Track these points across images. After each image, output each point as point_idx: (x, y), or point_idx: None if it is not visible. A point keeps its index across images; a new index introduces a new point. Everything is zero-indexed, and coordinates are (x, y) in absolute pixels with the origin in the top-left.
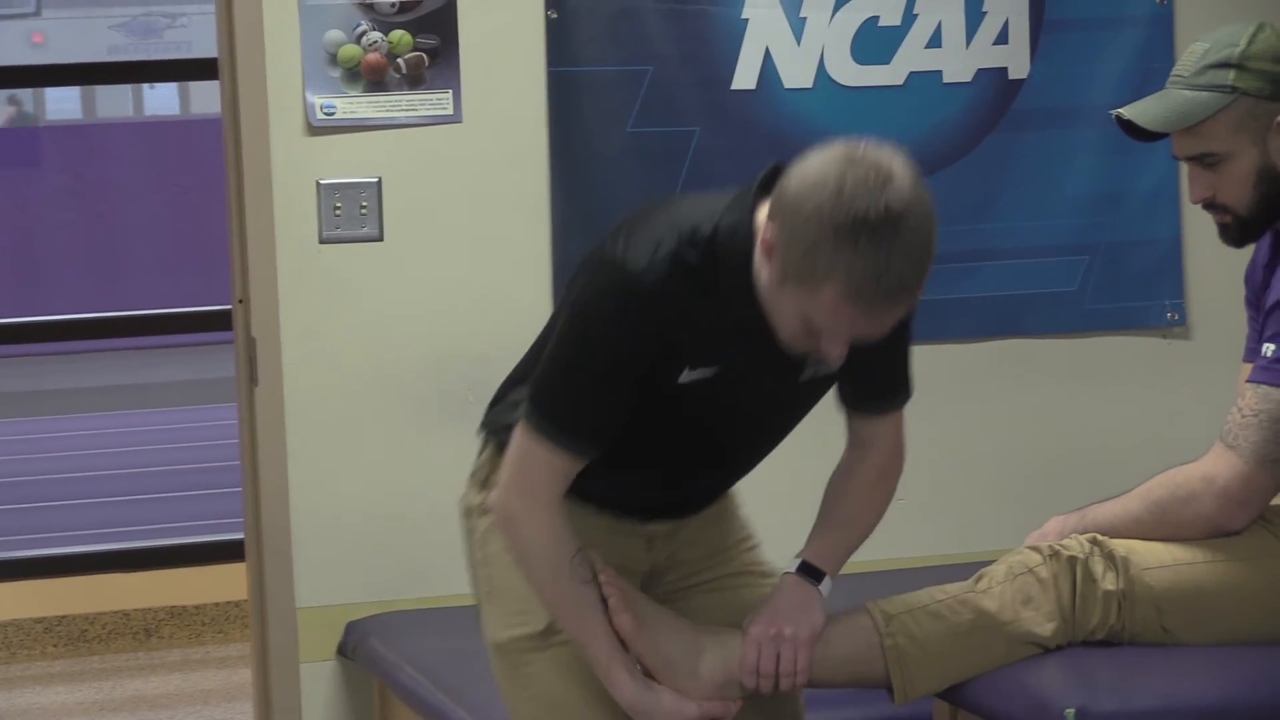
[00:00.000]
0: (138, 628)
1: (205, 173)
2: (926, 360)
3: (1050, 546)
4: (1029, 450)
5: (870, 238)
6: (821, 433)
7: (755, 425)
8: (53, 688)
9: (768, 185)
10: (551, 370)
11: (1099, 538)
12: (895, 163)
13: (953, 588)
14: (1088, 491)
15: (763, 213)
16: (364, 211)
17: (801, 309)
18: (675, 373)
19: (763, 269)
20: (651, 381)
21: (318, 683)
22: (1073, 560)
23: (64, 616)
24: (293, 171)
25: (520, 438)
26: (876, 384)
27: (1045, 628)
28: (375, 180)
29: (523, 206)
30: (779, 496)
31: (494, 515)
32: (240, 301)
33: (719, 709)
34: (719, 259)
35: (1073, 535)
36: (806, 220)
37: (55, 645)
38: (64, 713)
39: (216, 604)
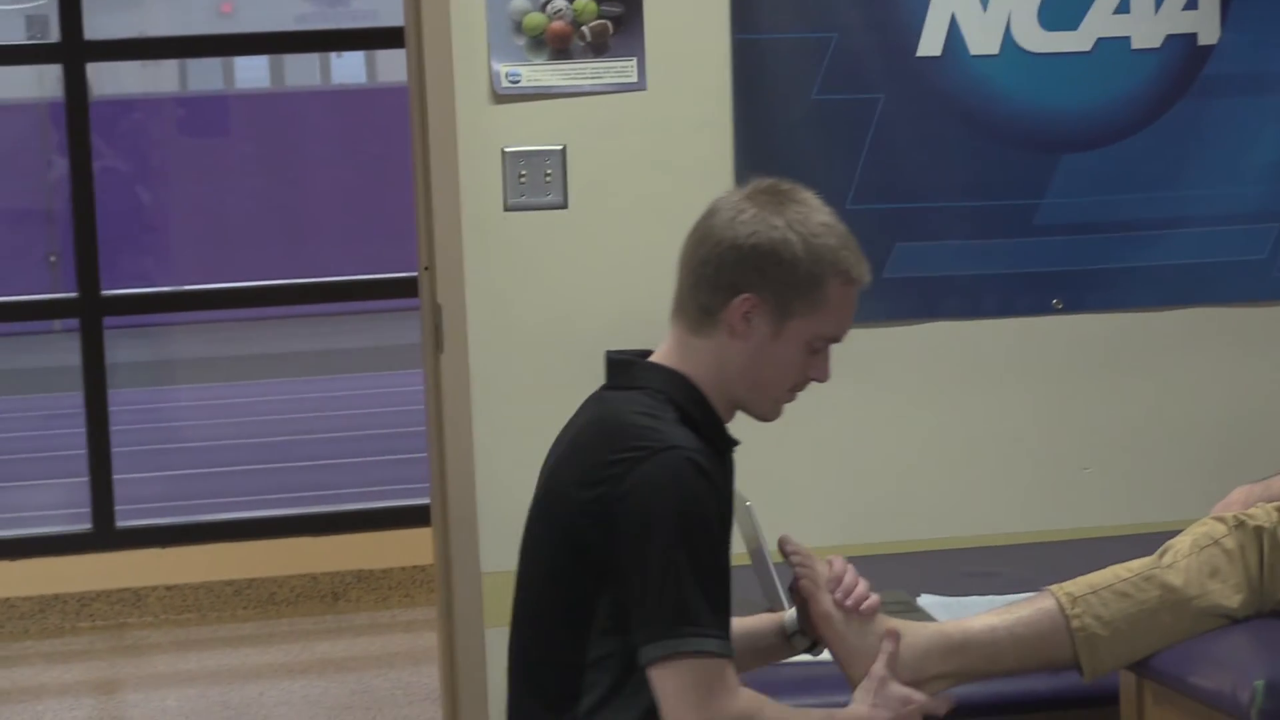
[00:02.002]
0: (325, 591)
1: (391, 141)
2: (1113, 329)
3: (1236, 516)
4: (1215, 419)
5: (803, 211)
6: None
7: None
8: (242, 650)
9: (628, 368)
10: (670, 585)
11: None
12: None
13: (1137, 564)
14: (1275, 460)
15: (670, 360)
16: (548, 179)
17: (810, 333)
18: (728, 516)
19: (735, 349)
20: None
21: (503, 647)
22: (1259, 530)
23: (253, 579)
24: (478, 139)
25: (677, 678)
26: None
27: (1233, 599)
28: (560, 148)
29: (707, 174)
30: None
31: None
32: (426, 268)
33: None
34: (686, 409)
35: (1259, 504)
36: (782, 246)
37: (245, 608)
38: (253, 674)
39: (403, 568)
